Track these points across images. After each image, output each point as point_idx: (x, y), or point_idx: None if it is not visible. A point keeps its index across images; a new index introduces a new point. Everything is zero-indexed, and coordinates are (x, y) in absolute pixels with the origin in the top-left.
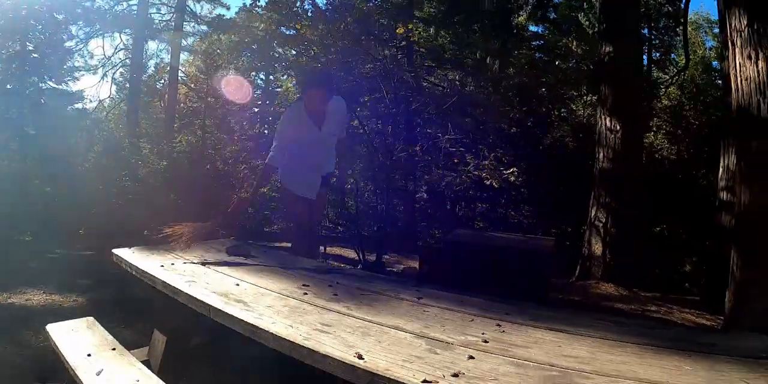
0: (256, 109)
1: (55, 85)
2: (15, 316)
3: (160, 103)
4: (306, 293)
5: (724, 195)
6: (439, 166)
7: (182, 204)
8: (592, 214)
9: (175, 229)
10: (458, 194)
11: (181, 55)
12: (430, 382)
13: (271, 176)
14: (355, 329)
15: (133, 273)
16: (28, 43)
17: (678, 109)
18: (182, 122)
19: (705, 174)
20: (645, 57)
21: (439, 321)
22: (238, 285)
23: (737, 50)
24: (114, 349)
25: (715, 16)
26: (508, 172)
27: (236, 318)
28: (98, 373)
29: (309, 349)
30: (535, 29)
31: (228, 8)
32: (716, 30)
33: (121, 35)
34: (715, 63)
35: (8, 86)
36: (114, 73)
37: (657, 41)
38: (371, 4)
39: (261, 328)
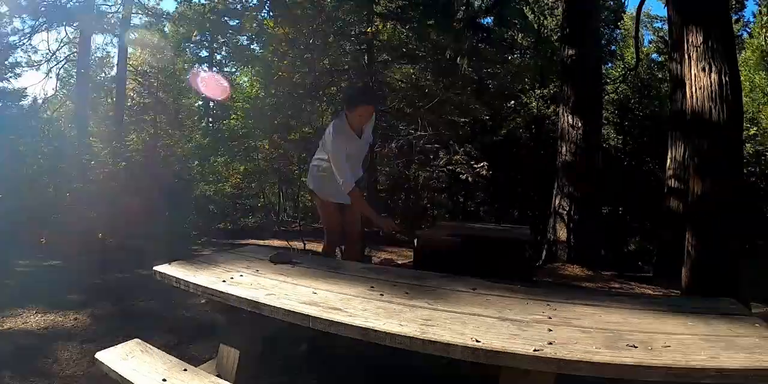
0: (200, 102)
1: None
2: (22, 345)
3: (107, 99)
4: (382, 294)
5: (672, 182)
6: (415, 162)
7: (144, 206)
8: (556, 203)
9: None
10: (432, 188)
11: (129, 48)
12: (538, 350)
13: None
14: (452, 320)
15: (191, 290)
16: None
17: (624, 102)
18: (132, 119)
19: (647, 161)
20: None
21: (505, 306)
22: (315, 293)
23: (693, 62)
24: (185, 369)
25: (654, 11)
26: (479, 166)
27: (344, 324)
28: None
29: (430, 340)
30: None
31: None
32: (657, 25)
33: (66, 29)
34: (654, 55)
35: None
36: (59, 69)
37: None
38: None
39: (376, 330)
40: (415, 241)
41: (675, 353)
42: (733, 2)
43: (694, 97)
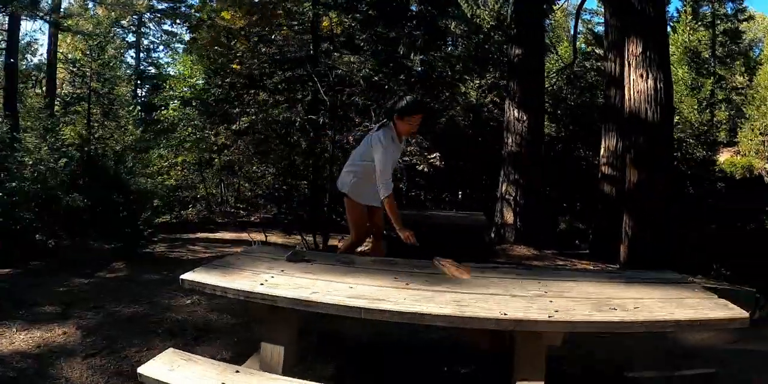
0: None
1: None
2: (23, 368)
3: (35, 89)
4: (407, 283)
5: (605, 169)
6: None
7: (91, 205)
8: (503, 189)
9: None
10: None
11: (60, 35)
12: (551, 316)
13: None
14: (476, 300)
15: (229, 295)
16: None
17: (557, 92)
18: (64, 111)
19: (578, 147)
20: None
21: (508, 285)
22: (351, 288)
23: (632, 69)
24: (237, 371)
25: (587, 4)
26: (432, 157)
27: (394, 311)
28: None
29: (470, 317)
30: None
31: None
32: (585, 17)
33: None
34: (583, 46)
35: None
36: None
37: None
38: None
39: (423, 313)
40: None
41: (644, 312)
42: None
43: (632, 99)
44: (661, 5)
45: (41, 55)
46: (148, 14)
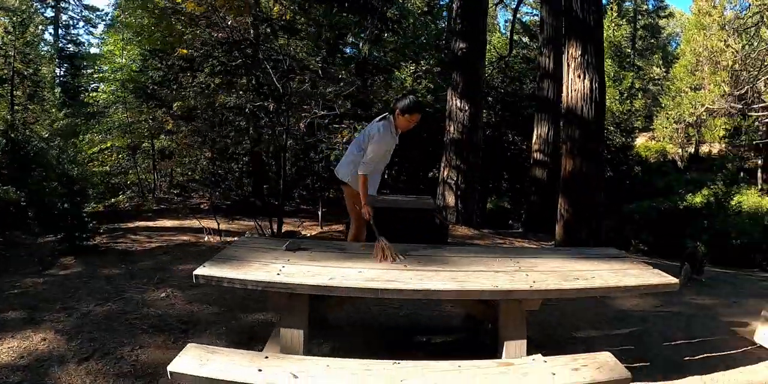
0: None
1: None
2: (14, 382)
3: None
4: (405, 266)
5: (537, 155)
6: (323, 140)
7: (28, 197)
8: (445, 174)
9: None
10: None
11: None
12: (531, 286)
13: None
14: (469, 276)
15: (248, 287)
16: None
17: (489, 80)
18: None
19: (507, 132)
20: None
21: (489, 263)
22: (360, 272)
23: (571, 70)
24: (267, 357)
25: None
26: None
27: (407, 289)
28: (296, 377)
29: (470, 290)
30: None
31: None
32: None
33: None
34: (505, 32)
35: None
36: None
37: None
38: None
39: (435, 290)
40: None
41: (599, 280)
42: None
43: (570, 96)
44: (599, 16)
45: None
46: None
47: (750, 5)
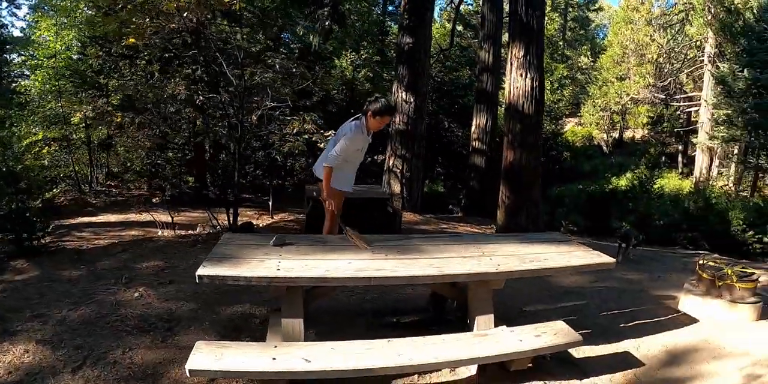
0: None
1: None
2: None
3: None
4: (386, 255)
5: (476, 144)
6: (274, 133)
7: None
8: (390, 163)
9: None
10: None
11: None
12: (496, 268)
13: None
14: (445, 262)
15: (252, 283)
16: None
17: (429, 71)
18: None
19: (443, 119)
20: None
21: (456, 249)
22: (350, 263)
23: (514, 69)
24: (276, 346)
25: None
26: (328, 134)
27: (396, 277)
28: (308, 361)
29: (447, 274)
30: None
31: None
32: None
33: None
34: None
35: None
36: None
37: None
38: None
39: (418, 275)
40: (309, 206)
41: (551, 261)
42: None
43: (513, 93)
44: (541, 20)
45: None
46: None
47: (675, 3)
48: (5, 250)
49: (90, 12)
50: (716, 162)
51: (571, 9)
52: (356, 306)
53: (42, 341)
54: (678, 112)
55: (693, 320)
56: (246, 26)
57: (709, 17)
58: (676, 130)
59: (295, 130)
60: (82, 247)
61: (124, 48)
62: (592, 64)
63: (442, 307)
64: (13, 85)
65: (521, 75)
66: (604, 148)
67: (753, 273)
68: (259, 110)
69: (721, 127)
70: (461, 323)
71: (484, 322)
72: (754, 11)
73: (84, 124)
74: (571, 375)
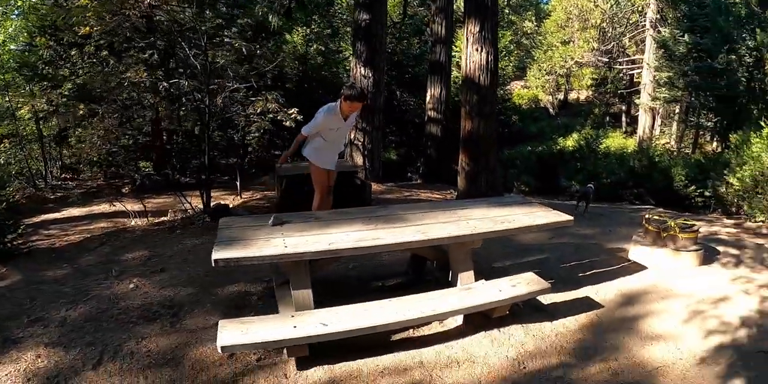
0: None
1: None
2: None
3: None
4: (376, 225)
5: (431, 113)
6: (241, 114)
7: None
8: (352, 136)
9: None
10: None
11: None
12: (473, 230)
13: (300, 143)
14: (428, 228)
15: (265, 262)
16: None
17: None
18: None
19: (395, 90)
20: None
21: (436, 217)
22: (348, 235)
23: (470, 44)
24: (293, 315)
25: None
26: (292, 111)
27: (392, 243)
28: (325, 325)
29: (433, 238)
30: None
31: None
32: None
33: None
34: None
35: None
36: None
37: None
38: None
39: (408, 241)
40: (282, 183)
41: (520, 222)
42: None
43: (469, 67)
44: None
45: None
46: None
47: None
48: None
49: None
50: (659, 121)
51: None
52: (342, 275)
53: (51, 344)
54: (621, 75)
55: (642, 267)
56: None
57: None
58: (619, 91)
59: (258, 110)
60: (55, 245)
61: (76, 36)
62: (536, 29)
63: (422, 269)
64: None
65: (477, 50)
66: (550, 109)
67: (694, 224)
68: (224, 92)
69: (663, 89)
70: (440, 282)
71: (466, 277)
72: None
73: (35, 118)
74: (543, 318)
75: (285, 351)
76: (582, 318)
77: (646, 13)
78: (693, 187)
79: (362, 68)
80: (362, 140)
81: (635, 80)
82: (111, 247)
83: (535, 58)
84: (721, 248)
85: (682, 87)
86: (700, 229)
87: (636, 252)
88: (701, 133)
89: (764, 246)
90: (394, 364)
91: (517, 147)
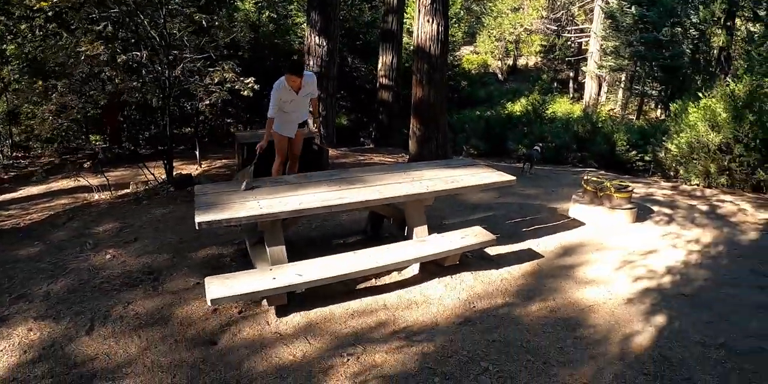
0: None
1: None
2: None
3: None
4: (339, 186)
5: (383, 80)
6: (199, 85)
7: None
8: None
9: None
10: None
11: None
12: (427, 188)
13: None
14: (386, 187)
15: (243, 222)
16: None
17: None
18: None
19: (346, 56)
20: None
21: (390, 177)
22: (315, 195)
23: (422, 15)
24: (271, 268)
25: None
26: (249, 81)
27: (356, 202)
28: (300, 275)
29: (390, 196)
30: None
31: None
32: None
33: None
34: None
35: None
36: None
37: None
38: None
39: (369, 199)
40: (243, 151)
41: (467, 182)
42: None
43: (420, 37)
44: None
45: None
46: None
47: None
48: None
49: None
50: (605, 88)
51: None
52: (306, 235)
53: (39, 317)
54: (569, 43)
55: (581, 224)
56: None
57: None
58: (567, 58)
59: (216, 80)
60: (20, 224)
61: (27, 10)
62: None
63: (380, 227)
64: None
65: (428, 21)
66: (499, 75)
67: (628, 185)
68: (181, 63)
69: (609, 58)
70: (397, 238)
71: (421, 231)
72: None
73: None
74: (490, 266)
75: (266, 301)
76: (525, 266)
77: None
78: (634, 152)
79: (316, 37)
80: (317, 107)
81: (583, 48)
82: (80, 222)
83: (485, 24)
84: (655, 208)
85: (628, 56)
86: (638, 191)
87: (575, 210)
88: (646, 101)
89: (696, 207)
90: (361, 307)
91: (466, 111)
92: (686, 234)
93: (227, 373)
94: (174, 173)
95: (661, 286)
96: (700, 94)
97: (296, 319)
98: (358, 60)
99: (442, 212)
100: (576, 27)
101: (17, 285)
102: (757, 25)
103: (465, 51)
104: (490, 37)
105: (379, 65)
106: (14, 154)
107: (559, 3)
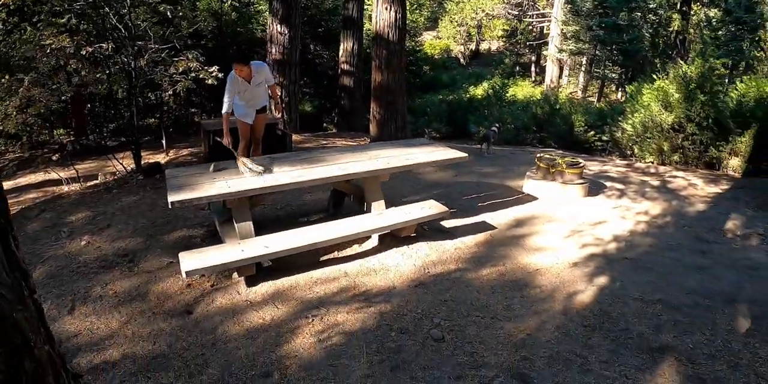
0: None
1: None
2: None
3: None
4: (303, 166)
5: (344, 66)
6: (165, 74)
7: None
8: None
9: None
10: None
11: None
12: (385, 165)
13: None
14: (351, 164)
15: (213, 200)
16: None
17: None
18: None
19: (308, 43)
20: None
21: (351, 155)
22: (285, 172)
23: (380, 2)
24: (239, 242)
25: None
26: (212, 70)
27: (324, 177)
28: (267, 247)
29: (351, 173)
30: None
31: None
32: None
33: None
34: None
35: None
36: None
37: None
38: None
39: (332, 175)
40: (210, 138)
41: (422, 158)
42: None
43: (379, 24)
44: None
45: None
46: None
47: None
48: None
49: None
50: (566, 72)
51: None
52: (272, 214)
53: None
54: (531, 27)
55: (534, 198)
56: None
57: None
58: (529, 42)
59: (181, 70)
60: None
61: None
62: None
63: (341, 205)
64: None
65: (386, 8)
66: (462, 59)
67: (579, 162)
68: (146, 54)
69: (570, 42)
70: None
71: (379, 205)
72: None
73: None
74: (445, 237)
75: (236, 273)
76: (478, 237)
77: None
78: (592, 133)
79: (279, 26)
80: (280, 94)
81: (545, 32)
82: (53, 213)
83: (447, 9)
84: (608, 183)
85: (588, 40)
86: (593, 168)
87: (529, 185)
88: (607, 83)
89: (648, 182)
90: (324, 275)
91: (429, 95)
92: (636, 206)
93: (203, 338)
94: (142, 163)
95: (607, 252)
96: (655, 77)
97: (264, 288)
98: (320, 47)
99: (402, 190)
100: (537, 12)
101: None
102: (714, 10)
103: (428, 36)
104: (452, 22)
105: (341, 52)
106: None
107: None
